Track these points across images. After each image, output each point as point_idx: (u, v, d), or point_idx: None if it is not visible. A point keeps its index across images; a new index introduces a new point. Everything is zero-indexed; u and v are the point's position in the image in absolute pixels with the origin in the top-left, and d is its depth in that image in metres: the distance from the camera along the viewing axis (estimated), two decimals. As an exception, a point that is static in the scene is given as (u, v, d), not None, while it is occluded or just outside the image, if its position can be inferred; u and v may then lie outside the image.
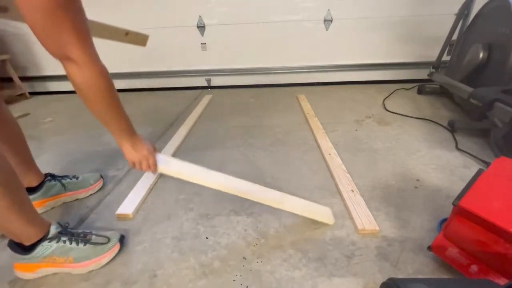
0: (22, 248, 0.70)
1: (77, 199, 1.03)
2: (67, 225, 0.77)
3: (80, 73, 0.57)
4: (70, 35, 0.53)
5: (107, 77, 0.62)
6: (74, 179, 1.04)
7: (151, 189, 1.07)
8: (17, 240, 0.69)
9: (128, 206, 0.96)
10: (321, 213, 0.87)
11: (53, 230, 0.72)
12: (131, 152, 0.75)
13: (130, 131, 0.75)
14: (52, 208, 0.99)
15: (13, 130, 0.89)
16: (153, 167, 0.77)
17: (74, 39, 0.54)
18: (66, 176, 1.03)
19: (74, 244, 0.73)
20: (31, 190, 0.94)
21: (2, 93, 0.91)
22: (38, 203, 0.95)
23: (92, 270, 0.74)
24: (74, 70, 0.57)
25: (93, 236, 0.77)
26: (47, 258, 0.71)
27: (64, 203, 1.02)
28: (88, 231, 0.79)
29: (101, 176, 1.11)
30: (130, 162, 0.77)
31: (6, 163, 0.62)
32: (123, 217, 0.93)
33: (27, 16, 0.50)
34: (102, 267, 0.75)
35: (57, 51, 0.54)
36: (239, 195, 0.81)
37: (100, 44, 2.31)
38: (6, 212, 0.62)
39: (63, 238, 0.73)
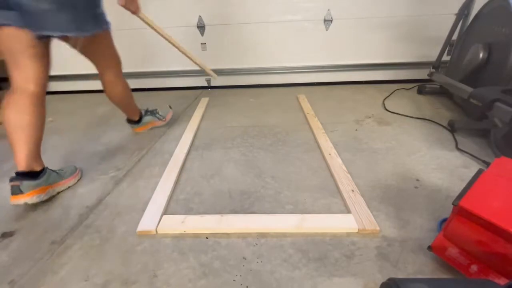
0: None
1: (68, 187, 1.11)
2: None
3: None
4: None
5: None
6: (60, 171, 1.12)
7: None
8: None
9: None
10: (343, 224, 0.85)
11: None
12: None
13: None
14: (50, 196, 1.03)
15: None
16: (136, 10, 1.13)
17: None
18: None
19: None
20: (36, 175, 0.98)
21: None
22: (41, 189, 0.98)
23: (92, 272, 0.74)
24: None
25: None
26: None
27: (58, 193, 1.06)
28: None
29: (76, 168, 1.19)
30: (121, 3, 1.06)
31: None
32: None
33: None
34: (102, 267, 0.75)
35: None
36: (260, 231, 0.85)
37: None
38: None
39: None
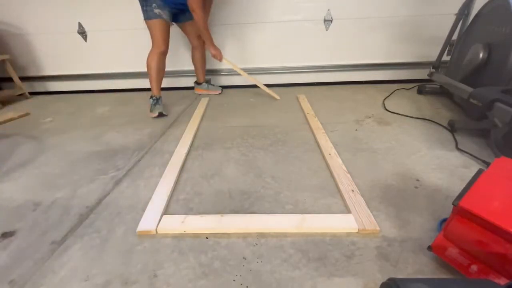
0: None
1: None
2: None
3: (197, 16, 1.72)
4: None
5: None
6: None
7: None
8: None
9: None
10: (343, 224, 0.85)
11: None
12: (213, 49, 1.90)
13: (212, 41, 1.89)
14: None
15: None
16: (221, 59, 1.96)
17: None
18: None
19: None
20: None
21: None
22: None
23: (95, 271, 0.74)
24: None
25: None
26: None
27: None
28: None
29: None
30: (213, 54, 1.91)
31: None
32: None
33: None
34: (102, 267, 0.76)
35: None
36: (260, 231, 0.85)
37: (104, 46, 2.31)
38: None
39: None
